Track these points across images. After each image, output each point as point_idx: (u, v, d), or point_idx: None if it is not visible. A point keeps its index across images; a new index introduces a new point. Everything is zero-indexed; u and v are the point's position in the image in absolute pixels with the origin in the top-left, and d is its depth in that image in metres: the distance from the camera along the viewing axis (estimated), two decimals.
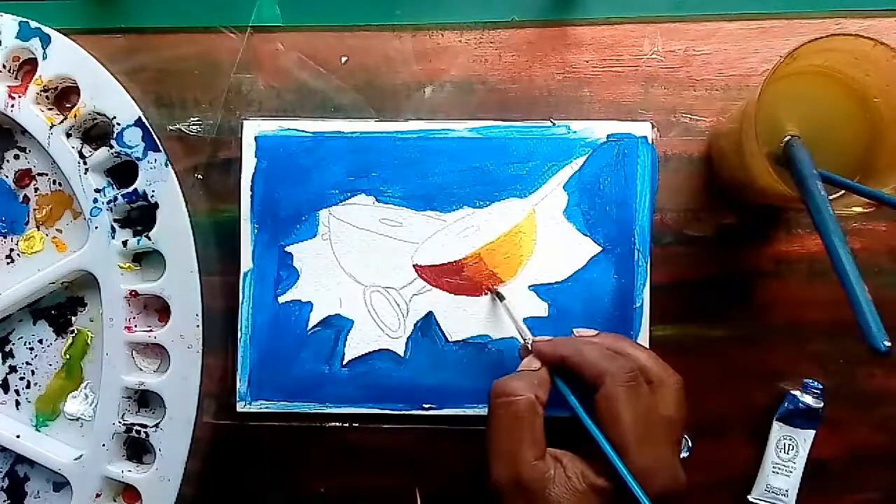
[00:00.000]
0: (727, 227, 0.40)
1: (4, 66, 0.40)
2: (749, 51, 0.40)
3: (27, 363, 0.41)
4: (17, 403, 0.42)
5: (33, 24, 0.39)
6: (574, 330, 0.37)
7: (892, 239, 0.40)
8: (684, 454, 0.39)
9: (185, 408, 0.39)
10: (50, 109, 0.40)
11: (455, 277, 0.40)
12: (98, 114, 0.39)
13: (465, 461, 0.41)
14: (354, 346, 0.40)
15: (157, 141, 0.39)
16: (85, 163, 0.39)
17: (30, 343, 0.41)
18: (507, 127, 0.40)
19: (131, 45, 0.42)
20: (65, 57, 0.39)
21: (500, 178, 0.40)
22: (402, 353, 0.40)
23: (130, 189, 0.39)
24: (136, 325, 0.40)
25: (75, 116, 0.39)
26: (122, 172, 0.40)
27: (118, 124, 0.39)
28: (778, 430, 0.39)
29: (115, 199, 0.39)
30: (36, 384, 0.41)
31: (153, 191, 0.39)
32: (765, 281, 0.40)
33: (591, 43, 0.41)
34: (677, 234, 0.41)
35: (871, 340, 0.27)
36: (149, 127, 0.39)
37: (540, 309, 0.40)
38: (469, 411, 0.40)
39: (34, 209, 0.41)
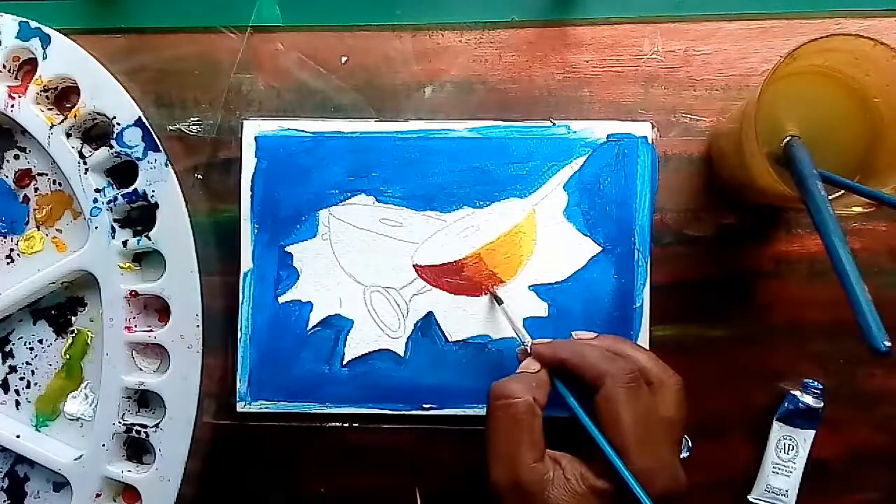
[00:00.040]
0: (727, 227, 0.40)
1: (4, 66, 0.40)
2: (749, 51, 0.40)
3: (27, 363, 0.41)
4: (17, 403, 0.42)
5: (33, 24, 0.39)
6: (573, 333, 0.37)
7: (892, 239, 0.40)
8: (684, 454, 0.39)
9: (185, 408, 0.39)
10: (50, 109, 0.40)
11: (455, 277, 0.40)
12: (98, 114, 0.39)
13: (465, 461, 0.41)
14: (354, 346, 0.40)
15: (157, 141, 0.39)
16: (85, 163, 0.39)
17: (30, 343, 0.41)
18: (507, 127, 0.40)
19: (131, 45, 0.42)
20: (65, 57, 0.39)
21: (500, 178, 0.40)
22: (402, 353, 0.40)
23: (130, 189, 0.39)
24: (136, 325, 0.40)
25: (75, 116, 0.39)
26: (122, 172, 0.40)
27: (118, 124, 0.39)
28: (778, 430, 0.39)
29: (115, 199, 0.39)
30: (36, 384, 0.41)
31: (153, 191, 0.39)
32: (765, 281, 0.40)
33: (591, 43, 0.41)
34: (677, 234, 0.41)
35: (871, 340, 0.27)
36: (149, 127, 0.39)
37: (540, 309, 0.40)
38: (469, 411, 0.40)
39: (34, 209, 0.41)
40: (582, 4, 0.41)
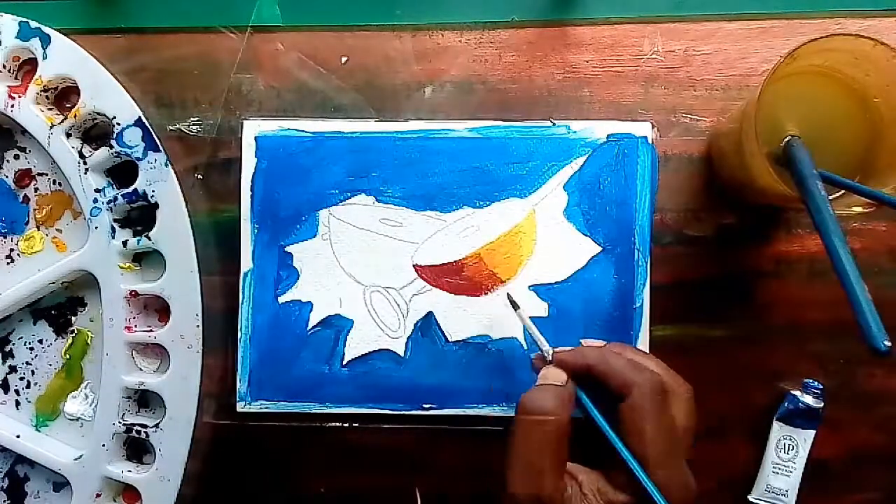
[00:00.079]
0: (727, 227, 0.40)
1: (4, 66, 0.40)
2: (749, 51, 0.40)
3: (27, 363, 0.41)
4: (17, 403, 0.42)
5: (33, 24, 0.39)
6: (582, 340, 0.37)
7: (892, 239, 0.40)
8: None
9: (185, 408, 0.39)
10: (50, 109, 0.40)
11: (455, 277, 0.40)
12: (98, 114, 0.39)
13: (465, 461, 0.41)
14: (354, 346, 0.40)
15: (157, 141, 0.39)
16: (85, 163, 0.39)
17: (30, 343, 0.41)
18: (507, 127, 0.40)
19: (131, 45, 0.42)
20: (65, 57, 0.39)
21: (500, 178, 0.40)
22: (402, 353, 0.40)
23: (130, 189, 0.39)
24: (136, 325, 0.40)
25: (75, 116, 0.39)
26: (122, 172, 0.40)
27: (118, 124, 0.39)
28: (778, 430, 0.39)
29: (115, 199, 0.39)
30: (36, 384, 0.41)
31: (153, 191, 0.39)
32: (765, 281, 0.40)
33: (591, 43, 0.41)
34: (677, 234, 0.41)
35: (871, 340, 0.27)
36: (149, 127, 0.39)
37: (540, 309, 0.40)
38: (469, 411, 0.40)
39: (34, 209, 0.41)
40: (582, 4, 0.41)
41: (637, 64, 0.41)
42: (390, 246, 0.40)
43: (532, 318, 0.39)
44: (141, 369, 0.41)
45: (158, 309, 0.41)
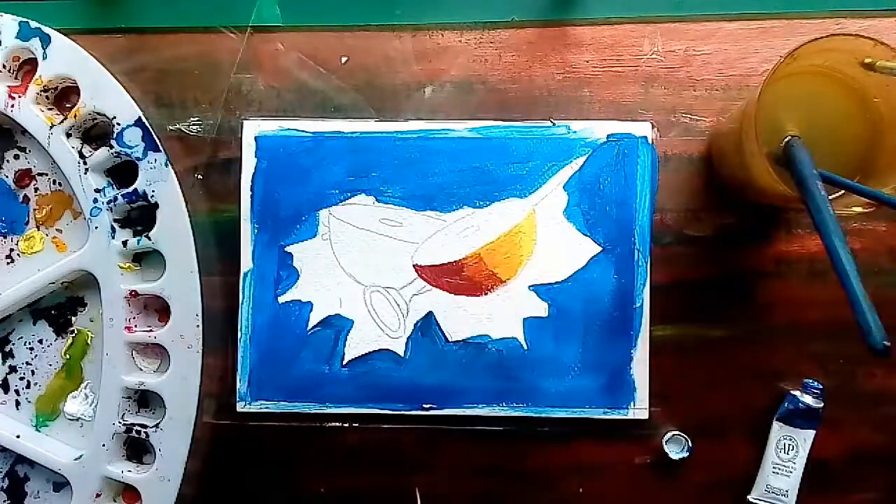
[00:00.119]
0: (727, 227, 0.40)
1: (4, 66, 0.40)
2: (749, 51, 0.40)
3: (27, 363, 0.41)
4: (17, 403, 0.42)
5: (33, 24, 0.39)
6: None
7: (892, 239, 0.40)
8: (684, 454, 0.39)
9: (185, 408, 0.39)
10: (50, 109, 0.40)
11: (455, 277, 0.40)
12: (98, 114, 0.39)
13: (465, 461, 0.41)
14: (354, 346, 0.40)
15: (157, 141, 0.39)
16: (85, 163, 0.39)
17: (30, 343, 0.41)
18: (507, 127, 0.40)
19: (131, 45, 0.42)
20: (65, 57, 0.39)
21: (500, 178, 0.40)
22: (402, 353, 0.40)
23: (130, 189, 0.39)
24: (136, 325, 0.40)
25: (75, 116, 0.39)
26: (122, 172, 0.40)
27: (118, 124, 0.39)
28: (778, 430, 0.39)
29: (115, 199, 0.39)
30: (36, 384, 0.41)
31: (153, 191, 0.39)
32: (765, 281, 0.40)
33: (591, 43, 0.41)
34: (677, 234, 0.41)
35: (870, 340, 0.27)
36: (149, 127, 0.39)
37: (540, 309, 0.40)
38: (469, 411, 0.40)
39: (34, 209, 0.41)
40: (582, 4, 0.41)
41: (637, 64, 0.41)
42: (390, 246, 0.40)
43: (532, 319, 0.40)
44: (141, 369, 0.41)
45: (158, 309, 0.41)
